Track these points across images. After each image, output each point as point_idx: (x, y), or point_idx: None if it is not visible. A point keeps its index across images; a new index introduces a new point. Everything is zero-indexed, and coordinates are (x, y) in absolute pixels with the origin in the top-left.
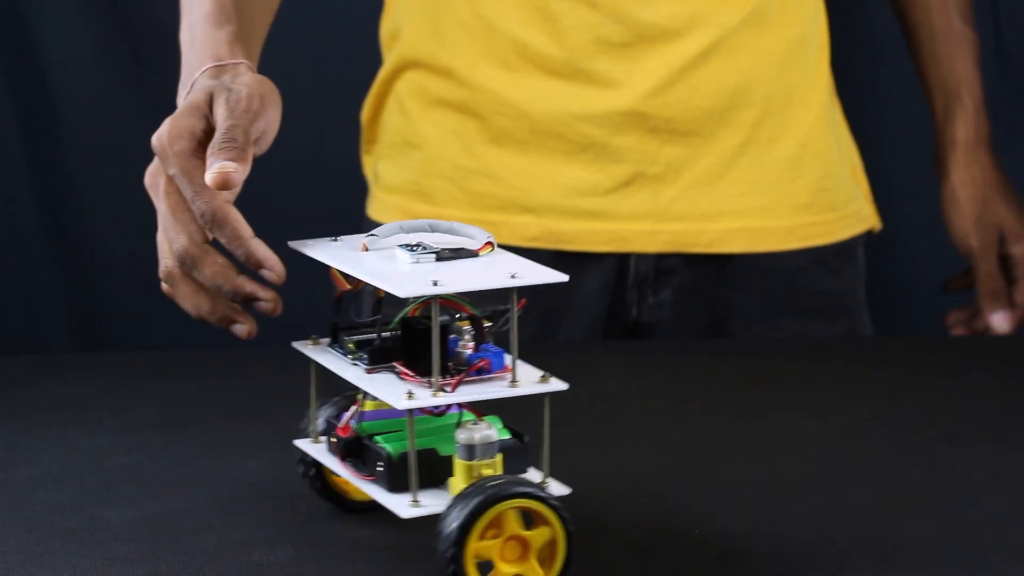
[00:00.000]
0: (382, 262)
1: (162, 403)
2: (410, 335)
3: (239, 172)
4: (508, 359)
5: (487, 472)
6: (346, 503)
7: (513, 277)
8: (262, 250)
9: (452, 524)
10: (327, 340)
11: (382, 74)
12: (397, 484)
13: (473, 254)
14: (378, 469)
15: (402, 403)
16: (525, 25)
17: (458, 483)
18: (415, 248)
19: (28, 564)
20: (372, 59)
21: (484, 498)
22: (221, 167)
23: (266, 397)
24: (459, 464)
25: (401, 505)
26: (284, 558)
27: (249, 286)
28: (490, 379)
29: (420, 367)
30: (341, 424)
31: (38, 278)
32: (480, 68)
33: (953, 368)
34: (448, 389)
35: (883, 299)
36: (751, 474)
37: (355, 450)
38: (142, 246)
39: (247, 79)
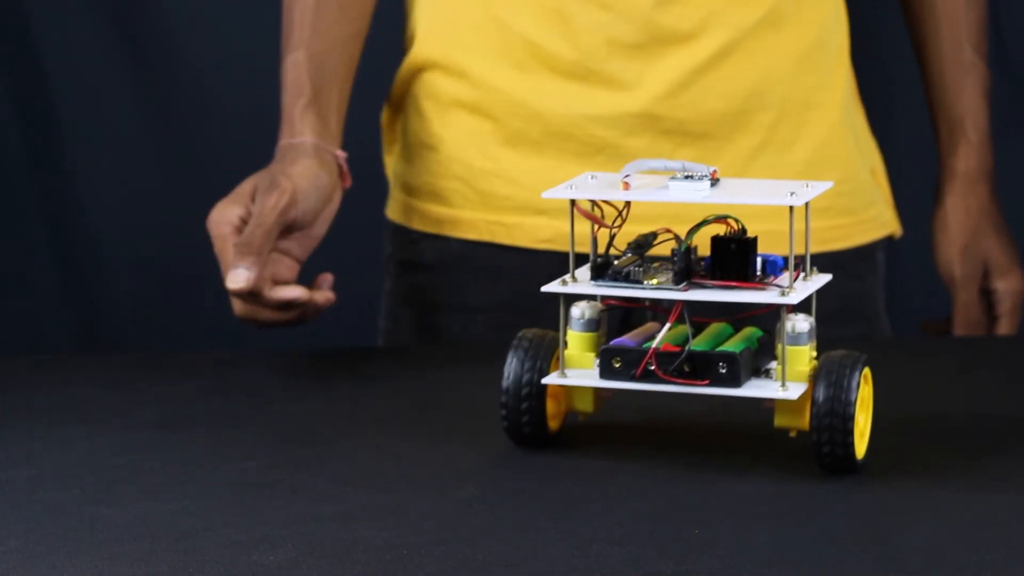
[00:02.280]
0: (681, 192)
1: (162, 403)
2: (723, 250)
3: (252, 275)
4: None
5: (814, 353)
6: (545, 437)
7: (807, 187)
8: (288, 293)
9: (841, 389)
10: (568, 278)
11: (399, 76)
12: (742, 380)
13: (717, 181)
14: (721, 372)
15: (782, 300)
16: (539, 26)
17: (797, 365)
18: (691, 177)
19: (28, 564)
20: (396, 61)
21: (856, 365)
22: (233, 277)
23: (266, 397)
24: (795, 350)
25: (774, 391)
26: (284, 558)
27: (302, 302)
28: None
29: (735, 277)
30: (656, 345)
31: (38, 278)
32: (494, 69)
33: (953, 368)
34: (788, 289)
35: (898, 303)
36: (751, 473)
37: (682, 362)
38: (142, 246)
39: (298, 168)
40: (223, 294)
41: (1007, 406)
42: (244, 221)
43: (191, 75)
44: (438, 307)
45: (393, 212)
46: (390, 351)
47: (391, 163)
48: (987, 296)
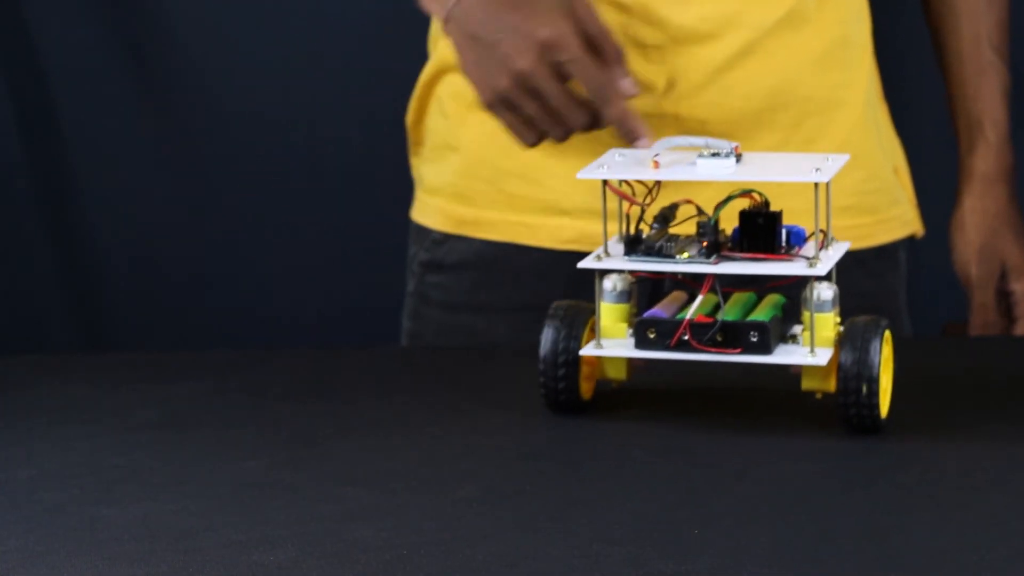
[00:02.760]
0: (709, 169)
1: (162, 403)
2: (751, 224)
3: (632, 79)
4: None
5: (838, 319)
6: (579, 404)
7: (828, 161)
8: (630, 87)
9: (867, 353)
10: (600, 253)
11: (423, 77)
12: (772, 347)
13: (740, 156)
14: (752, 340)
15: (810, 271)
16: None
17: (823, 331)
18: (718, 154)
19: (28, 564)
20: (421, 63)
21: (878, 329)
22: (628, 84)
23: (266, 397)
24: (821, 317)
25: (803, 356)
26: (284, 558)
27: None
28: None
29: (763, 249)
30: (690, 316)
31: (38, 278)
32: None
33: (966, 368)
34: (815, 260)
35: (917, 303)
36: (751, 472)
37: (715, 332)
38: (143, 246)
39: None
40: (223, 294)
41: (1014, 407)
42: (577, 35)
43: (192, 75)
44: (460, 307)
45: (418, 213)
46: (397, 351)
47: (417, 164)
48: (1005, 298)
